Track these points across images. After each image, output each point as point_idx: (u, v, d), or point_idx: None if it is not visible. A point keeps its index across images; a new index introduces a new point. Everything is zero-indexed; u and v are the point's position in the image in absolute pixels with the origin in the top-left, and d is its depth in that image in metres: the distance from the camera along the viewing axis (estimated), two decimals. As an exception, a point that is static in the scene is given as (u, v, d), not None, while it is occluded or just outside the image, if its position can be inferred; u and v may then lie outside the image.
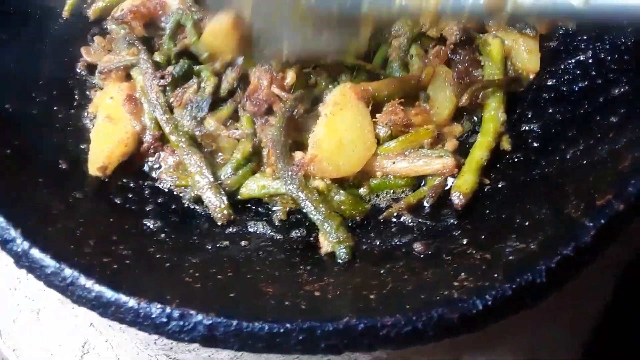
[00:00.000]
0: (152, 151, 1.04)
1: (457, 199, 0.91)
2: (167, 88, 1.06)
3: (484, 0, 0.72)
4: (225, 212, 0.95)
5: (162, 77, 1.04)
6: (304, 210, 0.94)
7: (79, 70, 1.19)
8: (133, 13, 1.09)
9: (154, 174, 1.06)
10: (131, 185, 1.03)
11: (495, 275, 0.73)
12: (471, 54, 1.09)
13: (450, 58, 1.10)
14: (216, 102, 1.07)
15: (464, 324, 0.69)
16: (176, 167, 1.02)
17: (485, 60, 1.08)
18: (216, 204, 0.95)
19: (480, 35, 1.11)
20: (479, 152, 0.97)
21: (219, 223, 0.96)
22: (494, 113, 1.00)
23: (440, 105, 1.04)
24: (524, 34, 1.09)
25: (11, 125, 1.00)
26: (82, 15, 1.25)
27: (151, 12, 1.11)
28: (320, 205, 0.91)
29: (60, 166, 1.00)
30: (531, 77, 1.09)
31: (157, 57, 1.10)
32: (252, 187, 0.99)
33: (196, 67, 1.08)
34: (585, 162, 0.88)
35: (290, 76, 1.04)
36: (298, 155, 0.97)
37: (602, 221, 0.72)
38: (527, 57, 1.09)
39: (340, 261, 0.89)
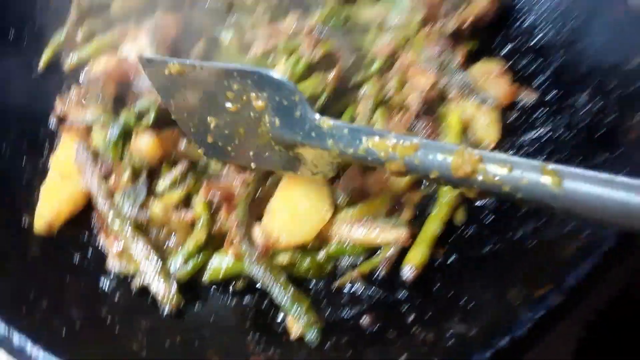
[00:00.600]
0: (100, 225, 1.04)
1: (408, 272, 0.92)
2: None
3: (452, 166, 0.70)
4: (174, 301, 0.93)
5: (103, 166, 1.06)
6: (271, 294, 0.93)
7: (51, 122, 1.20)
8: (107, 74, 1.11)
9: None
10: (90, 241, 1.04)
11: (434, 358, 0.74)
12: (432, 122, 1.11)
13: (412, 125, 1.12)
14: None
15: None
16: (122, 252, 1.00)
17: (445, 130, 1.10)
18: (164, 293, 0.94)
19: (442, 103, 1.13)
20: (433, 225, 0.98)
21: (166, 312, 0.93)
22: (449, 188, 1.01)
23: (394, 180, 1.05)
24: (483, 105, 1.12)
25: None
26: (57, 68, 1.27)
27: (124, 73, 1.13)
28: (289, 288, 0.92)
29: (22, 222, 1.01)
30: (491, 145, 1.11)
31: (122, 117, 1.11)
32: (216, 271, 0.98)
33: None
34: (533, 243, 0.90)
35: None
36: (257, 232, 0.97)
37: (540, 313, 0.73)
38: (487, 127, 1.11)
39: (310, 344, 0.88)
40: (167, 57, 1.02)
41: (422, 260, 0.94)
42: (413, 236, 0.98)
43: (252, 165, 0.97)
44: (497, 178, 0.67)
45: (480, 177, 0.68)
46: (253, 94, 0.88)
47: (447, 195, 1.02)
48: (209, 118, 0.95)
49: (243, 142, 0.94)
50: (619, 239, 0.78)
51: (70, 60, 1.27)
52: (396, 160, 0.75)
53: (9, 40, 1.28)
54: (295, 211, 0.99)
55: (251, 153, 0.95)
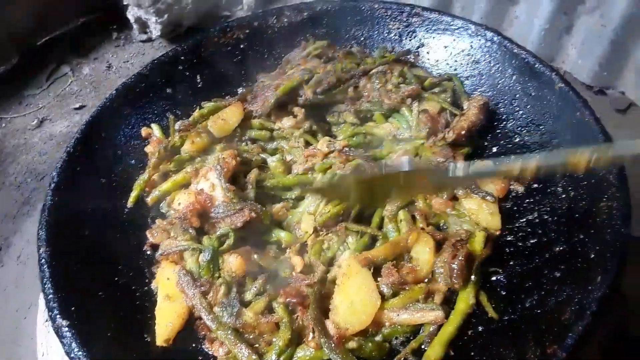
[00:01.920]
0: (203, 334, 1.32)
1: None
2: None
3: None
4: None
5: (202, 285, 1.33)
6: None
7: (146, 251, 1.51)
8: (190, 211, 1.43)
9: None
10: (198, 347, 1.32)
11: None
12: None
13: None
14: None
15: None
16: (227, 354, 1.27)
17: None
18: None
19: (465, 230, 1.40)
20: (450, 328, 1.22)
21: None
22: (466, 296, 1.26)
23: (421, 265, 1.33)
24: (486, 199, 1.44)
25: (106, 310, 1.31)
26: (142, 204, 1.59)
27: (203, 206, 1.45)
28: None
29: (146, 339, 1.30)
30: (497, 234, 1.42)
31: (206, 241, 1.42)
32: None
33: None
34: (539, 311, 1.20)
35: (298, 263, 1.38)
36: (329, 326, 1.25)
37: (553, 367, 1.03)
38: (490, 219, 1.42)
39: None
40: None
41: (437, 358, 1.19)
42: (446, 317, 1.25)
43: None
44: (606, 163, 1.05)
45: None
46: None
47: (462, 304, 1.26)
48: None
49: None
50: (599, 303, 1.09)
51: (151, 197, 1.59)
52: (528, 171, 1.11)
53: (101, 186, 1.59)
54: (352, 304, 1.27)
55: None
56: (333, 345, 1.22)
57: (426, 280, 1.34)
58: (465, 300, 1.26)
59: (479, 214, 1.43)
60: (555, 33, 2.66)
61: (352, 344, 1.24)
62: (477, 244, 1.34)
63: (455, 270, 1.27)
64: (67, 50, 3.27)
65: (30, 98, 3.04)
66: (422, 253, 1.36)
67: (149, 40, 3.29)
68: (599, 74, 2.67)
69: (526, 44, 2.71)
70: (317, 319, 1.25)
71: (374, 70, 1.79)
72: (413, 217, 1.47)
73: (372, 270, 1.33)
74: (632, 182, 1.26)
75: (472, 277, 1.28)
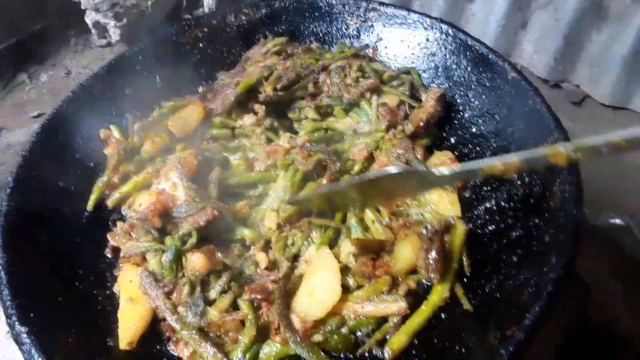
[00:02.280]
0: (167, 335, 1.31)
1: (387, 353, 1.20)
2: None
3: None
4: None
5: (165, 286, 1.32)
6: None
7: (107, 254, 1.48)
8: (151, 211, 1.41)
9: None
10: (162, 349, 1.30)
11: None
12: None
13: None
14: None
15: None
16: (192, 355, 1.26)
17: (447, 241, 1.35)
18: None
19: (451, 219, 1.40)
20: (418, 320, 1.24)
21: None
22: (440, 289, 1.27)
23: (401, 263, 1.35)
24: (446, 190, 1.47)
25: (66, 316, 1.28)
26: (103, 207, 1.57)
27: (165, 206, 1.43)
28: None
29: (108, 344, 1.27)
30: (487, 205, 1.44)
31: (168, 241, 1.41)
32: (269, 356, 1.24)
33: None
34: (498, 295, 1.23)
35: (262, 259, 1.39)
36: (295, 320, 1.25)
37: (511, 348, 1.05)
38: (450, 208, 1.45)
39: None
40: (306, 193, 1.47)
41: (401, 347, 1.21)
42: (409, 308, 1.27)
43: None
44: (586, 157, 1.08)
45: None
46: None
47: (435, 297, 1.27)
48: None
49: None
50: (555, 284, 1.12)
51: (112, 199, 1.56)
52: (509, 170, 1.12)
53: (59, 191, 1.55)
54: (314, 293, 1.29)
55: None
56: (299, 339, 1.22)
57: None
58: (439, 293, 1.28)
59: (439, 204, 1.46)
60: (511, 29, 2.74)
61: (317, 337, 1.25)
62: (458, 238, 1.36)
63: (431, 265, 1.28)
64: (24, 58, 3.18)
65: (-14, 107, 2.95)
66: (404, 251, 1.37)
67: (109, 45, 3.22)
68: (554, 68, 2.75)
69: (483, 40, 2.77)
70: (282, 314, 1.25)
71: (333, 66, 1.80)
72: (377, 210, 1.48)
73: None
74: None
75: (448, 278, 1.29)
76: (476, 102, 1.61)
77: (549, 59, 2.72)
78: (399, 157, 1.54)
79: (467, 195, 1.49)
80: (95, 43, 3.26)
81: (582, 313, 1.65)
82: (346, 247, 1.38)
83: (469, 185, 1.50)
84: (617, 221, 2.20)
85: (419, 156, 1.55)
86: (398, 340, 1.22)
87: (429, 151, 1.61)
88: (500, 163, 1.11)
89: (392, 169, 1.25)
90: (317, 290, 1.30)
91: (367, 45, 1.92)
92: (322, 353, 1.22)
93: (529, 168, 1.14)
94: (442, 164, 1.53)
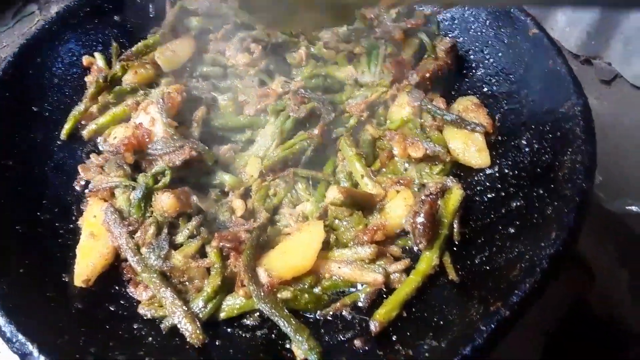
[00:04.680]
0: (128, 277, 1.22)
1: (373, 326, 1.08)
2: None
3: None
4: (200, 337, 1.09)
5: (130, 224, 1.23)
6: (278, 324, 1.09)
7: (76, 187, 1.39)
8: (125, 145, 1.30)
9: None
10: (122, 291, 1.22)
11: (414, 372, 0.94)
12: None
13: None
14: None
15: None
16: (151, 299, 1.18)
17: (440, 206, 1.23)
18: (191, 331, 1.09)
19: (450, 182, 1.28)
20: (407, 289, 1.12)
21: (196, 346, 1.09)
22: (429, 255, 1.16)
23: (393, 220, 1.24)
24: (475, 131, 1.33)
25: (22, 246, 1.20)
26: (78, 137, 1.47)
27: (139, 141, 1.32)
28: (291, 320, 1.08)
29: (63, 279, 1.19)
30: (488, 171, 1.31)
31: (140, 179, 1.31)
32: (231, 309, 1.16)
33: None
34: (488, 267, 1.11)
35: (239, 207, 1.28)
36: (262, 275, 1.14)
37: (492, 325, 0.94)
38: (477, 156, 1.32)
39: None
40: None
41: (388, 319, 1.09)
42: (385, 284, 1.16)
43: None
44: None
45: None
46: None
47: (424, 264, 1.16)
48: None
49: None
50: (551, 261, 0.99)
51: (88, 130, 1.46)
52: None
53: (31, 115, 1.46)
54: (285, 255, 1.18)
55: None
56: (262, 294, 1.12)
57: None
58: (428, 261, 1.17)
59: (465, 153, 1.33)
60: (545, -1, 2.54)
61: (285, 294, 1.15)
62: (452, 203, 1.23)
63: (419, 230, 1.16)
64: (35, -12, 3.08)
65: (-5, 36, 2.85)
66: (396, 209, 1.26)
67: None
68: (586, 43, 2.57)
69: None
70: (248, 265, 1.15)
71: None
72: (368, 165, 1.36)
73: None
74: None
75: (437, 242, 1.18)
76: (491, 60, 1.46)
77: (582, 32, 2.53)
78: (413, 111, 1.40)
79: (468, 160, 1.35)
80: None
81: (582, 301, 1.53)
82: (332, 194, 1.26)
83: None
84: (634, 208, 2.06)
85: (441, 105, 1.41)
86: (386, 312, 1.10)
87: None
88: None
89: None
90: (291, 253, 1.19)
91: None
92: (287, 311, 1.11)
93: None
94: (465, 110, 1.39)
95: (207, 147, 1.35)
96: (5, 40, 2.84)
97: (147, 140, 1.34)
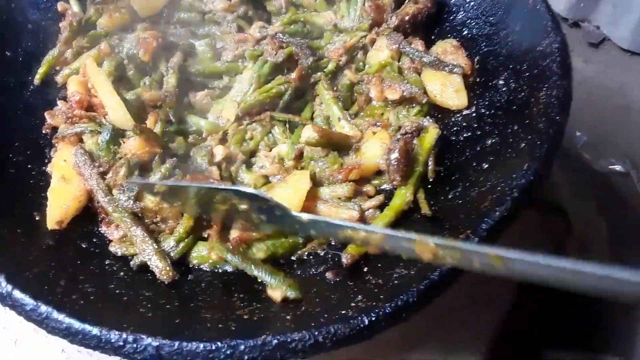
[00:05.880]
0: (101, 217, 1.21)
1: (345, 259, 1.08)
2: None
3: (416, 252, 0.83)
4: (170, 273, 1.08)
5: (100, 166, 1.21)
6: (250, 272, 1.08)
7: (44, 132, 1.37)
8: (77, 103, 1.30)
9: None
10: (94, 230, 1.21)
11: (381, 296, 0.94)
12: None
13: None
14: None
15: (354, 336, 0.89)
16: (122, 238, 1.17)
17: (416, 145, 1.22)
18: (160, 268, 1.09)
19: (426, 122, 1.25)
20: (380, 224, 1.13)
21: (166, 282, 1.09)
22: (404, 192, 1.16)
23: (369, 160, 1.23)
24: (453, 73, 1.32)
25: (-8, 185, 1.19)
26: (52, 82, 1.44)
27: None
28: (264, 267, 1.07)
29: (35, 218, 1.18)
30: (465, 112, 1.30)
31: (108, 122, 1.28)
32: (203, 259, 1.15)
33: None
34: (460, 201, 1.10)
35: (219, 152, 1.26)
36: (233, 231, 1.13)
37: (458, 254, 0.93)
38: (455, 97, 1.31)
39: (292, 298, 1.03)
40: (151, 181, 1.20)
41: (359, 252, 1.09)
42: (360, 220, 1.15)
43: None
44: (454, 261, 0.82)
45: (441, 260, 0.83)
46: (236, 201, 1.05)
47: (398, 200, 1.16)
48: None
49: None
50: (522, 190, 0.99)
51: (62, 75, 1.44)
52: (371, 245, 0.91)
53: (5, 59, 1.43)
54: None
55: None
56: (231, 248, 1.11)
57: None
58: (402, 197, 1.16)
59: (442, 94, 1.32)
60: (534, -46, 2.50)
61: (259, 253, 1.13)
62: (428, 141, 1.22)
63: (393, 166, 1.15)
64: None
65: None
66: (372, 149, 1.25)
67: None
68: (575, 5, 2.56)
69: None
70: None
71: None
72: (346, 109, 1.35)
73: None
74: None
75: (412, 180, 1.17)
76: (472, 3, 1.44)
77: (571, -6, 2.51)
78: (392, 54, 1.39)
79: (445, 101, 1.34)
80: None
81: (560, 248, 1.53)
82: (307, 133, 1.24)
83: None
84: (618, 167, 2.06)
85: (420, 47, 1.40)
86: (354, 248, 1.09)
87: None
88: (362, 233, 0.91)
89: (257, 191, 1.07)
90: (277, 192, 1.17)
91: None
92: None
93: (390, 249, 0.90)
94: (444, 52, 1.37)
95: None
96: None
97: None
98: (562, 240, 1.55)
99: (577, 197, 1.76)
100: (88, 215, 1.23)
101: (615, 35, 2.51)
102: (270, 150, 1.34)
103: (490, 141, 1.18)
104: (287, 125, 1.36)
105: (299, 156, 1.28)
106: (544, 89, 1.13)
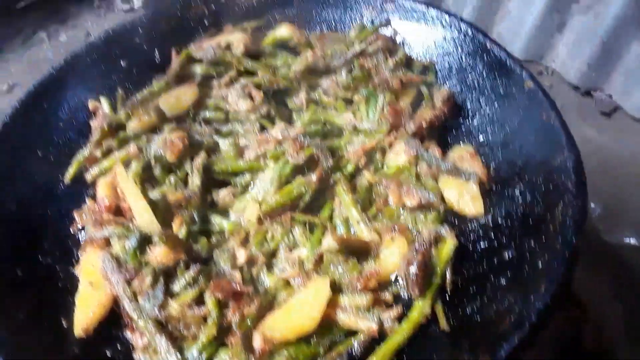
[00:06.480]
0: (126, 321, 1.23)
1: None
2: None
3: None
4: None
5: (127, 272, 1.24)
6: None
7: (72, 232, 1.41)
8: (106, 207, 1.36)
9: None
10: (119, 335, 1.24)
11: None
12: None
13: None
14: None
15: None
16: (147, 347, 1.19)
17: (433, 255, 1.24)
18: None
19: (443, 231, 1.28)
20: (399, 338, 1.13)
21: None
22: (421, 305, 1.17)
23: (388, 268, 1.25)
24: (469, 181, 1.35)
25: (23, 290, 1.23)
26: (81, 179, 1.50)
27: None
28: None
29: (63, 324, 1.21)
30: (482, 220, 1.33)
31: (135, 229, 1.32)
32: None
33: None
34: (478, 318, 1.12)
35: (241, 256, 1.29)
36: (256, 339, 1.14)
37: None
38: (472, 205, 1.34)
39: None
40: None
41: None
42: (379, 332, 1.16)
43: None
44: None
45: None
46: None
47: (416, 313, 1.17)
48: None
49: None
50: (540, 315, 1.00)
51: (91, 174, 1.50)
52: None
53: (38, 158, 1.50)
54: (293, 310, 1.18)
55: None
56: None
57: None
58: (420, 310, 1.18)
59: (459, 202, 1.35)
60: (547, 30, 2.58)
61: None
62: (445, 253, 1.25)
63: (412, 280, 1.18)
64: (46, 16, 3.16)
65: (3, 63, 2.92)
66: (391, 256, 1.27)
67: (131, 10, 3.20)
68: (587, 75, 2.59)
69: (516, 40, 2.63)
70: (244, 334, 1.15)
71: (370, 49, 1.68)
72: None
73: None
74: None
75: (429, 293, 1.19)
76: (487, 109, 1.49)
77: (582, 65, 2.54)
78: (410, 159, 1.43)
79: (463, 207, 1.37)
80: (119, 7, 3.24)
81: (576, 335, 1.52)
82: (327, 242, 1.28)
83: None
84: (632, 241, 2.04)
85: (436, 153, 1.44)
86: None
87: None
88: None
89: None
90: (296, 313, 1.18)
91: (388, 21, 1.79)
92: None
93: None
94: (461, 159, 1.41)
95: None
96: (14, 68, 2.91)
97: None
98: (577, 327, 1.54)
99: (591, 275, 1.75)
100: (113, 316, 1.25)
101: (627, 105, 2.52)
102: (291, 251, 1.37)
103: (507, 254, 1.20)
104: (307, 226, 1.40)
105: (319, 260, 1.31)
106: (560, 206, 1.16)
